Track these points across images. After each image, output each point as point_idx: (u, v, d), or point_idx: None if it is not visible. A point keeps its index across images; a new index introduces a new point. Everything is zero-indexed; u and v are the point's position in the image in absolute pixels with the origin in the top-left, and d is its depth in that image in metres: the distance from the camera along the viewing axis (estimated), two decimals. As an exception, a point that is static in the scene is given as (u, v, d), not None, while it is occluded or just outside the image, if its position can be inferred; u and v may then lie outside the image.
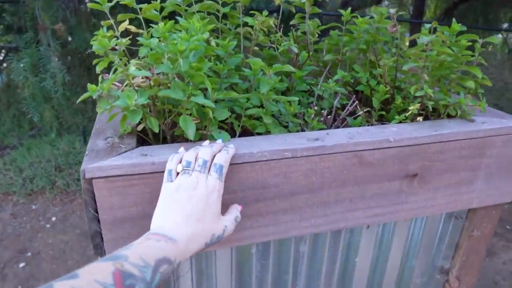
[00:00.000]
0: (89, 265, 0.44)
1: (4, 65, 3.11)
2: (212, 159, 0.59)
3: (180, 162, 0.59)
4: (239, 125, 0.74)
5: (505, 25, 6.87)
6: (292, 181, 0.67)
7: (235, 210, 0.62)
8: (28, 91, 2.43)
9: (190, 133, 0.61)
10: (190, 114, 0.63)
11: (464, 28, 0.74)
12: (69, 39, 2.74)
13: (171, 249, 0.51)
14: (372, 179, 0.72)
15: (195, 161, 0.59)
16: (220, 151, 0.61)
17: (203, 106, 0.65)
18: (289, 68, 0.70)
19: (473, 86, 0.73)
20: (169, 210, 0.55)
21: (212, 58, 0.83)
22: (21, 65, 2.46)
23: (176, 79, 0.65)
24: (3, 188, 2.90)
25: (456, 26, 0.72)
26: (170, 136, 0.69)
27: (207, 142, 0.65)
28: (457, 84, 0.77)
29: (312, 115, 0.78)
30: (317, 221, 0.72)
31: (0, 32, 3.28)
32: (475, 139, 0.76)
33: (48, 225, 2.64)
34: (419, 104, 0.75)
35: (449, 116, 0.84)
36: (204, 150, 0.60)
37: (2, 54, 3.42)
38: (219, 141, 0.65)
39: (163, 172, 0.60)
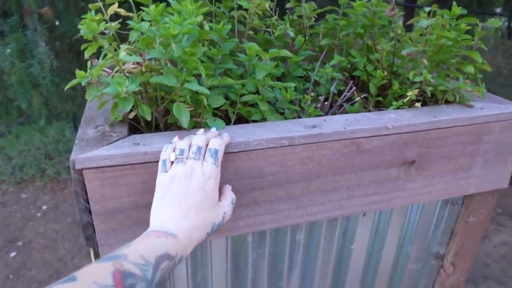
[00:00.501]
0: (88, 266, 0.43)
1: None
2: (207, 146, 0.57)
3: (174, 151, 0.57)
4: (234, 112, 0.72)
5: (498, 10, 6.86)
6: (289, 170, 0.66)
7: (229, 193, 0.60)
8: (15, 77, 2.37)
9: (184, 120, 0.59)
10: (184, 101, 0.61)
11: (465, 11, 0.72)
12: (57, 23, 2.66)
13: (172, 244, 0.49)
14: (369, 166, 0.71)
15: (189, 148, 0.57)
16: (214, 137, 0.59)
17: (197, 93, 0.63)
18: (285, 53, 0.67)
19: (473, 71, 0.72)
20: (167, 204, 0.53)
21: (206, 43, 0.81)
22: (7, 50, 2.39)
23: (169, 64, 0.63)
24: (-8, 177, 2.85)
25: (457, 10, 0.70)
26: (163, 124, 0.67)
27: (201, 130, 0.63)
28: (456, 69, 0.75)
29: (309, 102, 0.76)
30: (314, 209, 0.71)
31: (-16, 16, 3.18)
32: (473, 125, 0.75)
33: (39, 214, 2.61)
34: (417, 90, 0.74)
35: (447, 102, 0.82)
36: (198, 137, 0.58)
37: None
38: (213, 129, 0.63)
39: (156, 162, 0.58)
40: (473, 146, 0.77)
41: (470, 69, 0.71)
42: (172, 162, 0.56)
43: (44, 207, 2.70)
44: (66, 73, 2.91)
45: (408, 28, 1.26)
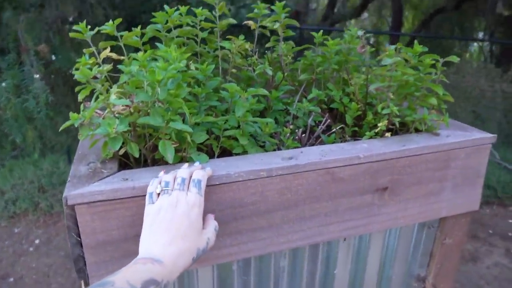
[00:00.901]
0: None
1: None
2: (190, 177, 0.62)
3: (160, 184, 0.61)
4: (217, 146, 0.77)
5: (480, 34, 7.14)
6: (269, 199, 0.71)
7: (212, 221, 0.64)
8: (10, 112, 2.42)
9: (169, 156, 0.64)
10: (170, 138, 0.66)
11: (426, 49, 0.79)
12: (53, 58, 2.75)
13: (158, 270, 0.53)
14: (344, 194, 0.76)
15: (174, 180, 0.62)
16: (197, 170, 0.64)
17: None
18: (263, 91, 0.74)
19: (436, 103, 0.78)
20: (154, 233, 0.58)
21: (192, 81, 0.87)
22: (3, 85, 2.46)
23: (157, 104, 0.68)
24: (-15, 211, 2.85)
25: (418, 48, 0.77)
26: (151, 159, 0.72)
27: (186, 165, 0.68)
28: (422, 101, 0.82)
29: (288, 134, 0.81)
30: (294, 236, 0.76)
31: (-19, 53, 3.26)
32: (440, 152, 0.80)
33: (31, 248, 2.60)
34: (387, 121, 0.80)
35: (417, 130, 0.89)
36: (182, 170, 0.63)
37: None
38: (197, 163, 0.68)
39: (144, 195, 0.63)
40: (441, 171, 0.83)
41: (433, 101, 0.78)
42: (159, 194, 0.61)
43: (37, 241, 2.69)
44: (61, 107, 2.98)
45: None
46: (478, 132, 0.87)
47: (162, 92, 0.61)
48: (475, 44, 7.61)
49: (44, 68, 2.43)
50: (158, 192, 0.61)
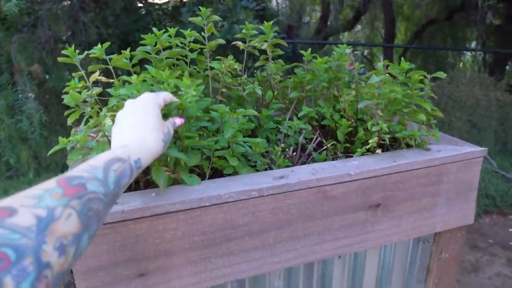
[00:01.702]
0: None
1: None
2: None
3: None
4: (208, 167, 0.77)
5: (473, 44, 7.23)
6: (261, 219, 0.70)
7: (171, 119, 0.65)
8: (4, 133, 2.42)
9: (162, 183, 0.64)
10: (163, 164, 0.66)
11: (413, 66, 0.80)
12: (46, 77, 2.76)
13: (120, 151, 0.52)
14: (337, 211, 0.76)
15: None
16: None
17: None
18: (252, 112, 0.74)
19: (424, 119, 0.79)
20: (117, 129, 0.59)
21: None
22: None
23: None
24: (-21, 233, 2.81)
25: (405, 65, 0.78)
26: (144, 182, 0.72)
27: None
28: (411, 117, 0.82)
29: (279, 153, 0.82)
30: (288, 255, 0.75)
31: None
32: (431, 167, 0.81)
33: (27, 269, 2.56)
34: (377, 138, 0.80)
35: (408, 146, 0.89)
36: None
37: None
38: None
39: (133, 219, 0.62)
40: (434, 186, 0.83)
41: (422, 117, 0.78)
42: None
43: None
44: (55, 125, 2.97)
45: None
46: (469, 146, 0.88)
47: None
48: (468, 53, 7.71)
49: (37, 88, 2.44)
50: None
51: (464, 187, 0.86)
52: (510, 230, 3.05)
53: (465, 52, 7.46)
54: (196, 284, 0.71)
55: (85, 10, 2.84)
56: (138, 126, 0.57)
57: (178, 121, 0.67)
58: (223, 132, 0.81)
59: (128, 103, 0.62)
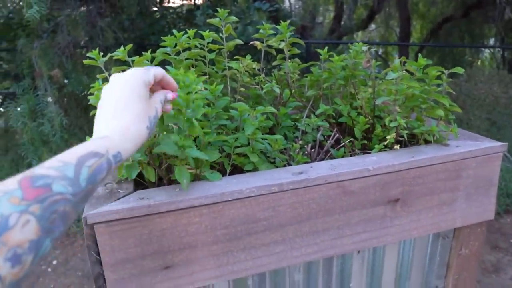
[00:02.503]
0: None
1: (1, 109, 3.20)
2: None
3: None
4: (229, 163, 0.79)
5: (492, 40, 7.08)
6: (281, 214, 0.72)
7: (160, 93, 0.60)
8: (26, 136, 2.49)
9: (185, 183, 0.66)
10: (186, 163, 0.69)
11: (430, 62, 0.81)
12: (66, 81, 2.83)
13: (99, 143, 0.48)
14: (356, 206, 0.77)
15: None
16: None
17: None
18: (270, 109, 0.76)
19: (443, 114, 0.79)
20: (99, 113, 0.54)
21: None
22: (18, 110, 2.53)
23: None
24: (4, 234, 2.90)
25: (422, 61, 0.79)
26: (167, 180, 0.74)
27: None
28: (429, 113, 0.83)
29: (297, 150, 0.83)
30: (308, 250, 0.76)
31: (-2, 79, 3.38)
32: (449, 163, 0.81)
33: (49, 269, 2.63)
34: (395, 134, 0.81)
35: (426, 142, 0.89)
36: None
37: (-1, 100, 3.50)
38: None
39: (159, 213, 0.65)
40: (453, 181, 0.83)
41: (440, 112, 0.79)
42: None
43: (55, 262, 2.72)
44: (75, 129, 3.05)
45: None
46: (489, 141, 0.88)
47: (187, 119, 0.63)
48: (487, 51, 7.56)
49: (57, 92, 2.51)
50: None
51: (484, 182, 0.86)
52: (532, 230, 2.98)
53: (483, 49, 7.32)
54: (218, 277, 0.73)
55: (102, 15, 2.91)
56: (120, 113, 0.52)
57: (170, 95, 0.61)
58: (242, 129, 0.83)
59: (113, 79, 0.56)
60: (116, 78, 0.56)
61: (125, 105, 0.53)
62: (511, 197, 3.24)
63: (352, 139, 0.94)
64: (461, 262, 0.95)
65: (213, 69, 1.00)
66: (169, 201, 0.65)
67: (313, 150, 0.84)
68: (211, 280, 0.73)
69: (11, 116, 2.55)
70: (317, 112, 0.94)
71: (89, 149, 0.46)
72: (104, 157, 0.47)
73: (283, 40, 0.91)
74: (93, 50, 0.82)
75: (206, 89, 0.89)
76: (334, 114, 0.99)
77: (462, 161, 0.82)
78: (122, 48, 0.86)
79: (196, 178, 0.74)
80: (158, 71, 0.60)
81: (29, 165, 3.10)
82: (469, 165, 0.83)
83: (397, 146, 0.82)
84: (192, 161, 0.67)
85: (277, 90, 0.87)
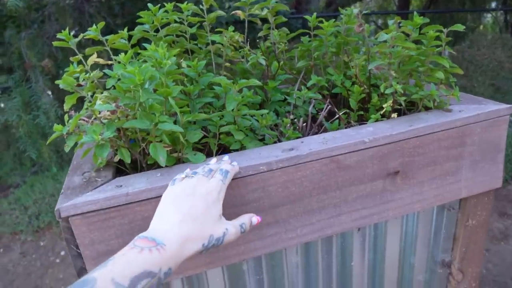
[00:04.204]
0: None
1: (2, 105, 3.16)
2: None
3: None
4: (215, 144, 0.74)
5: (493, 4, 6.85)
6: (272, 194, 0.67)
7: (244, 218, 0.60)
8: (23, 129, 2.46)
9: (162, 160, 0.61)
10: (161, 141, 0.64)
11: (427, 20, 0.74)
12: (60, 72, 2.77)
13: (155, 258, 0.48)
14: (353, 181, 0.72)
15: (202, 170, 0.59)
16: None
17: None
18: (254, 82, 0.70)
19: (443, 77, 0.73)
20: (165, 210, 0.54)
21: (185, 80, 0.84)
22: (14, 104, 2.49)
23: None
24: (10, 228, 2.91)
25: (418, 19, 0.72)
26: (146, 164, 0.69)
27: (214, 159, 0.66)
28: (428, 76, 0.76)
29: (288, 125, 0.78)
30: (303, 230, 0.72)
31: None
32: (452, 129, 0.75)
33: (57, 260, 2.64)
34: (392, 101, 0.75)
35: (427, 108, 0.83)
36: (211, 163, 0.62)
37: (-3, 95, 3.46)
38: (226, 157, 0.66)
39: (139, 202, 0.60)
40: (457, 149, 0.77)
41: (440, 75, 0.72)
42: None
43: (62, 253, 2.73)
44: (73, 119, 2.99)
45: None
46: (494, 104, 0.81)
47: (144, 94, 0.58)
48: (489, 15, 7.32)
49: (50, 82, 2.45)
50: (183, 177, 0.58)
51: (490, 148, 0.80)
52: (541, 195, 2.92)
53: (485, 14, 7.08)
54: (210, 263, 0.69)
55: (89, 0, 2.81)
56: (187, 223, 0.52)
57: (255, 219, 0.61)
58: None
59: (195, 182, 0.56)
60: (201, 187, 0.56)
61: (194, 218, 0.53)
62: (518, 163, 3.16)
63: (347, 110, 0.88)
64: (468, 234, 0.91)
65: (195, 44, 0.94)
66: (149, 188, 0.60)
67: (305, 124, 0.79)
68: (202, 267, 0.69)
69: (5, 110, 2.51)
70: (309, 83, 0.88)
71: (144, 266, 0.46)
72: (156, 276, 0.47)
73: (266, 7, 0.84)
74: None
75: (189, 66, 0.83)
76: (327, 85, 0.93)
77: (466, 126, 0.76)
78: (94, 26, 0.80)
79: (178, 162, 0.70)
80: (234, 171, 0.62)
81: (31, 159, 3.08)
82: (473, 131, 0.77)
83: (394, 115, 0.76)
84: (166, 138, 0.61)
85: (263, 62, 0.81)
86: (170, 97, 0.62)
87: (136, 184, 0.62)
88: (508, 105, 0.79)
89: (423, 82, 0.80)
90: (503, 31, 6.09)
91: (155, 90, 0.65)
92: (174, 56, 0.73)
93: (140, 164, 0.72)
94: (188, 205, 0.53)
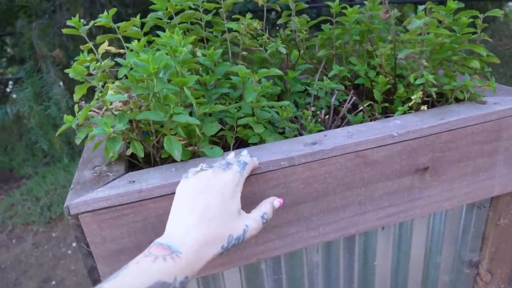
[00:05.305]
0: None
1: (14, 96, 3.16)
2: None
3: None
4: (232, 137, 0.70)
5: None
6: (293, 191, 0.63)
7: (265, 207, 0.55)
8: (34, 120, 2.45)
9: (177, 154, 0.57)
10: (176, 134, 0.60)
11: (462, 5, 0.68)
12: (71, 62, 2.76)
13: (170, 267, 0.44)
14: (380, 178, 0.67)
15: (219, 164, 0.55)
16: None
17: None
18: (275, 71, 0.65)
19: (479, 66, 0.67)
20: (179, 210, 0.50)
21: (200, 69, 0.80)
22: (25, 95, 2.48)
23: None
24: (22, 219, 2.93)
25: (452, 4, 0.66)
26: (160, 158, 0.66)
27: (232, 153, 0.62)
28: (461, 66, 0.71)
29: (309, 117, 0.73)
30: (326, 229, 0.68)
31: (4, 65, 3.32)
32: (488, 123, 0.70)
33: (69, 251, 2.65)
34: (422, 92, 0.69)
35: (457, 100, 0.78)
36: (230, 157, 0.58)
37: (10, 86, 3.47)
38: (245, 151, 0.61)
39: (153, 198, 0.56)
40: (491, 144, 0.72)
41: (475, 64, 0.67)
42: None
43: (74, 244, 2.74)
44: (84, 110, 2.98)
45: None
46: (531, 95, 0.76)
47: (159, 83, 0.54)
48: (510, 4, 7.09)
49: (61, 73, 2.43)
50: (197, 170, 0.53)
51: (526, 143, 0.75)
52: None
53: (506, 2, 6.85)
54: (227, 264, 0.65)
55: (101, -10, 2.78)
56: (203, 225, 0.47)
57: (277, 202, 0.57)
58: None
59: (210, 174, 0.51)
60: (217, 179, 0.51)
61: (211, 217, 0.48)
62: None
63: (371, 102, 0.83)
64: (499, 233, 0.85)
65: (211, 32, 0.89)
66: (163, 184, 0.57)
67: (327, 116, 0.74)
68: (218, 267, 0.65)
69: (17, 100, 2.50)
70: (330, 74, 0.83)
71: (158, 276, 0.43)
72: (171, 286, 0.44)
73: (287, -8, 0.79)
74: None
75: (204, 55, 0.79)
76: (349, 75, 0.88)
77: (502, 120, 0.70)
78: (105, 13, 0.76)
79: (194, 156, 0.66)
80: (254, 164, 0.57)
81: (43, 150, 3.08)
82: (510, 125, 0.71)
83: (424, 107, 0.71)
84: (181, 130, 0.57)
85: (284, 51, 0.76)
86: (185, 87, 0.58)
87: (150, 180, 0.58)
88: (548, 97, 0.74)
89: (455, 72, 0.74)
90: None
91: (169, 80, 0.61)
92: (190, 44, 0.69)
93: (153, 158, 0.68)
94: (204, 203, 0.49)
